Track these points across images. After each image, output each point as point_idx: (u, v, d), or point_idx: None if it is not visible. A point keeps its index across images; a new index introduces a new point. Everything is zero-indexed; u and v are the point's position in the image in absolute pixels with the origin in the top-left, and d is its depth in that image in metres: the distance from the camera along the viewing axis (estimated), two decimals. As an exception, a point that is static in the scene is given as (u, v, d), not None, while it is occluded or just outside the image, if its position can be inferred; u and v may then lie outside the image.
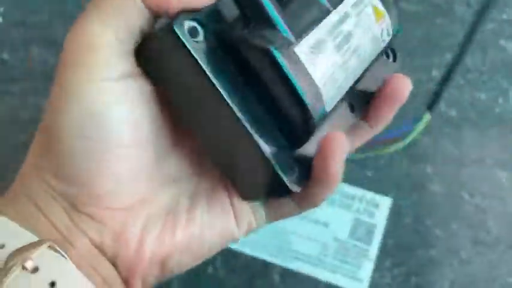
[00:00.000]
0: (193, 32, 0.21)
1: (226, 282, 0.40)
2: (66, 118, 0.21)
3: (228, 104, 0.22)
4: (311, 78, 0.22)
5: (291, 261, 0.40)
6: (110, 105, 0.21)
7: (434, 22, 0.49)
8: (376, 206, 0.41)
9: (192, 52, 0.21)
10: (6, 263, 0.20)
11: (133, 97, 0.22)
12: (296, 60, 0.22)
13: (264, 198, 0.25)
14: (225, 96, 0.22)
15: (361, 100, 0.27)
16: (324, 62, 0.23)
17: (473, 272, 0.41)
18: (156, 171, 0.24)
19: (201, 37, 0.22)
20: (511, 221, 0.42)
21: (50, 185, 0.22)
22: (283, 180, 0.23)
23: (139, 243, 0.23)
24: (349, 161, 0.22)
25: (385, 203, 0.41)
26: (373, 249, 0.40)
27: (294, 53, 0.22)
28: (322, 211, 0.40)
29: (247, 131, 0.22)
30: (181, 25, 0.21)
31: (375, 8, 0.26)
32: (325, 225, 0.40)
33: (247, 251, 0.40)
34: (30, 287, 0.20)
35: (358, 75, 0.25)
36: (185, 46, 0.21)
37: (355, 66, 0.24)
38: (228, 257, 0.40)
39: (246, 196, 0.25)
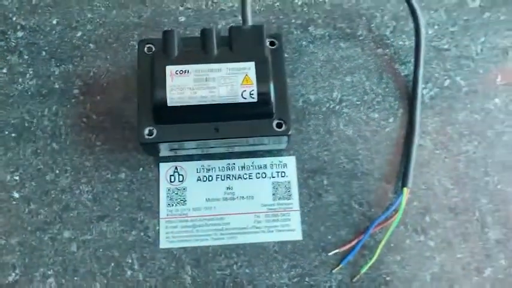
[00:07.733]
0: None
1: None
2: None
3: None
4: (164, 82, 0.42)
5: (233, 238, 0.48)
6: None
7: (338, 46, 0.53)
8: (285, 165, 0.49)
9: None
10: None
11: None
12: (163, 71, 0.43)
13: None
14: None
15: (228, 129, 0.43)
16: (179, 80, 0.42)
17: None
18: None
19: None
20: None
21: None
22: None
23: None
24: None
25: (291, 160, 0.50)
26: (295, 201, 0.49)
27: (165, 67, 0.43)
28: (245, 186, 0.49)
29: None
30: None
31: (246, 76, 0.42)
32: (251, 198, 0.49)
33: (194, 243, 0.47)
34: None
35: (208, 102, 0.42)
36: None
37: (204, 95, 0.42)
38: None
39: None
